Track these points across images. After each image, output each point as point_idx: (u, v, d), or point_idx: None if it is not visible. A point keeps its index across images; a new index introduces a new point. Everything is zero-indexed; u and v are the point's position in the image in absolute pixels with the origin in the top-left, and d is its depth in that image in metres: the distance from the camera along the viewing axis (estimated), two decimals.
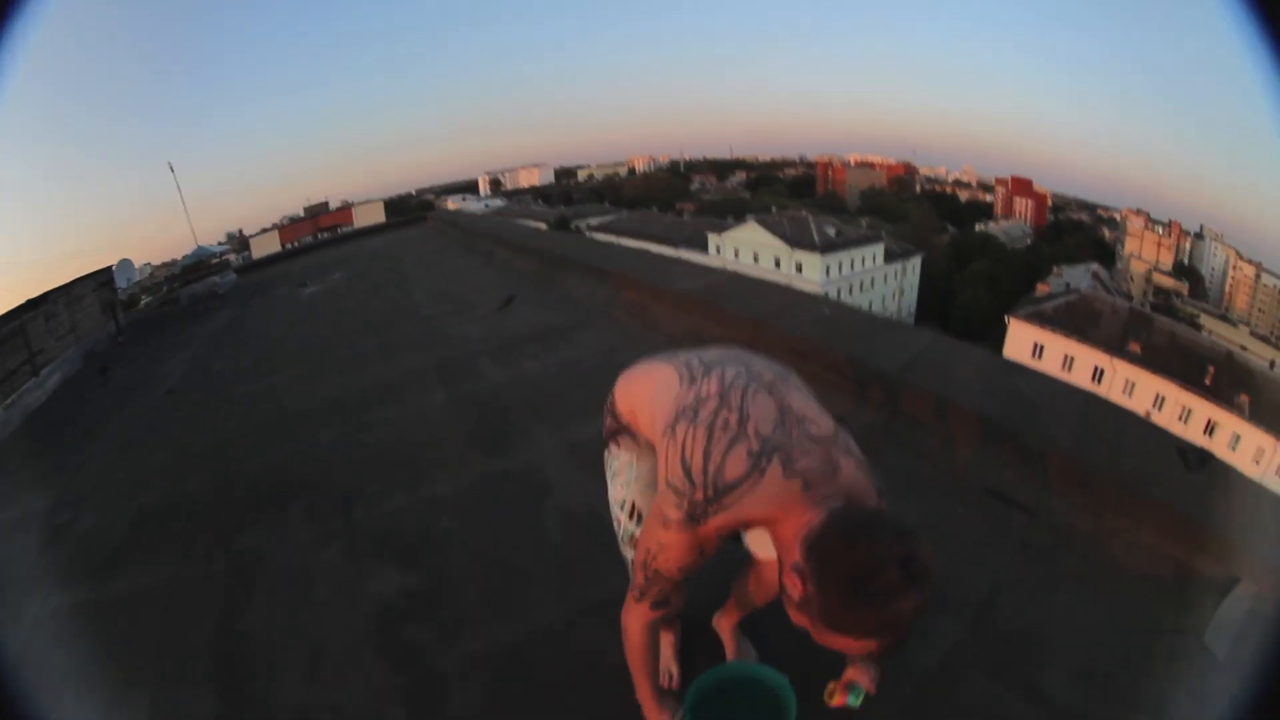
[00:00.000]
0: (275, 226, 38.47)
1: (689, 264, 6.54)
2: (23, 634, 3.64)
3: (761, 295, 5.02)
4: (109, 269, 13.43)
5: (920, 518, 2.73)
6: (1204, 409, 28.59)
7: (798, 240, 45.19)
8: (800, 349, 3.76)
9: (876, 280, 48.10)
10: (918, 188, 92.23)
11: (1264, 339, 40.75)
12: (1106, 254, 58.18)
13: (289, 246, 24.15)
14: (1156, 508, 2.40)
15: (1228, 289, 53.28)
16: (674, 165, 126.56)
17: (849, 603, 1.02)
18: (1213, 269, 55.73)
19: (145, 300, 15.52)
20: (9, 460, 7.35)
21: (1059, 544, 2.58)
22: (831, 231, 46.28)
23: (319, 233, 26.68)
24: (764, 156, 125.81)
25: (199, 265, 14.86)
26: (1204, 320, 45.41)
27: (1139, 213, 63.38)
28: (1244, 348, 34.73)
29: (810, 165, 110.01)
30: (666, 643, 2.00)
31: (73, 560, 4.38)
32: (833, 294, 42.63)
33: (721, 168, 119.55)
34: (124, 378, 9.23)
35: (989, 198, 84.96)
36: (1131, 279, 55.43)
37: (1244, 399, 28.04)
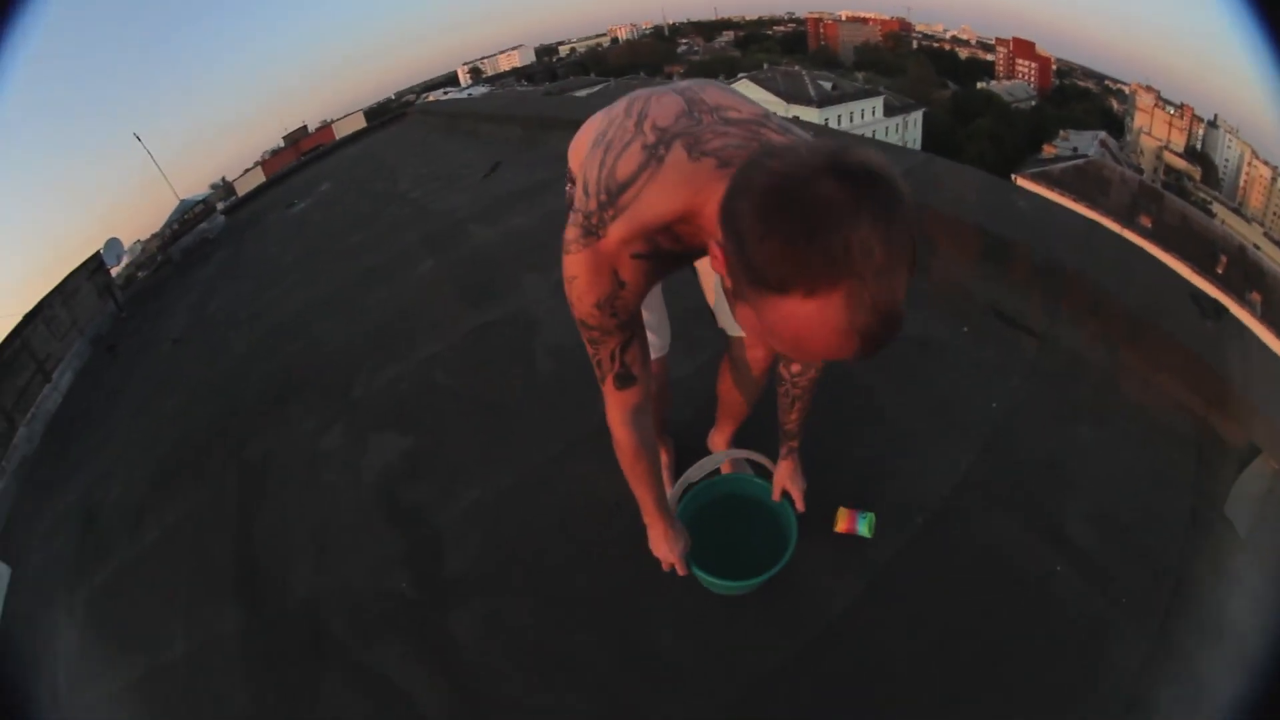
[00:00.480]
0: (257, 164, 38.17)
1: None
2: (75, 622, 3.68)
3: None
4: (97, 254, 13.49)
5: (924, 333, 2.69)
6: (1215, 297, 28.22)
7: (793, 95, 44.25)
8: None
9: (877, 134, 47.42)
10: (914, 44, 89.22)
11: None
12: (1115, 125, 55.46)
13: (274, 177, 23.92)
14: (1172, 347, 2.29)
15: (1241, 185, 49.64)
16: (658, 30, 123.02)
17: (769, 229, 0.70)
18: (1226, 160, 51.77)
19: (142, 275, 15.57)
20: (42, 474, 7.47)
21: (1072, 374, 2.46)
22: (828, 86, 45.93)
23: (302, 157, 26.33)
24: (750, 15, 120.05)
25: (184, 219, 14.79)
26: (1217, 209, 42.98)
27: (1149, 89, 59.01)
28: (1257, 247, 34.03)
29: (800, 22, 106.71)
30: (660, 465, 1.76)
31: (106, 533, 4.50)
32: None
33: (708, 28, 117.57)
34: (130, 348, 9.51)
35: (990, 57, 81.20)
36: (1141, 153, 52.43)
37: (1256, 297, 27.48)
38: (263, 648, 2.46)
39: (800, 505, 1.63)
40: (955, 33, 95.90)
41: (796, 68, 50.91)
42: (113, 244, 13.79)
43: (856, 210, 0.66)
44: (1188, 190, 46.04)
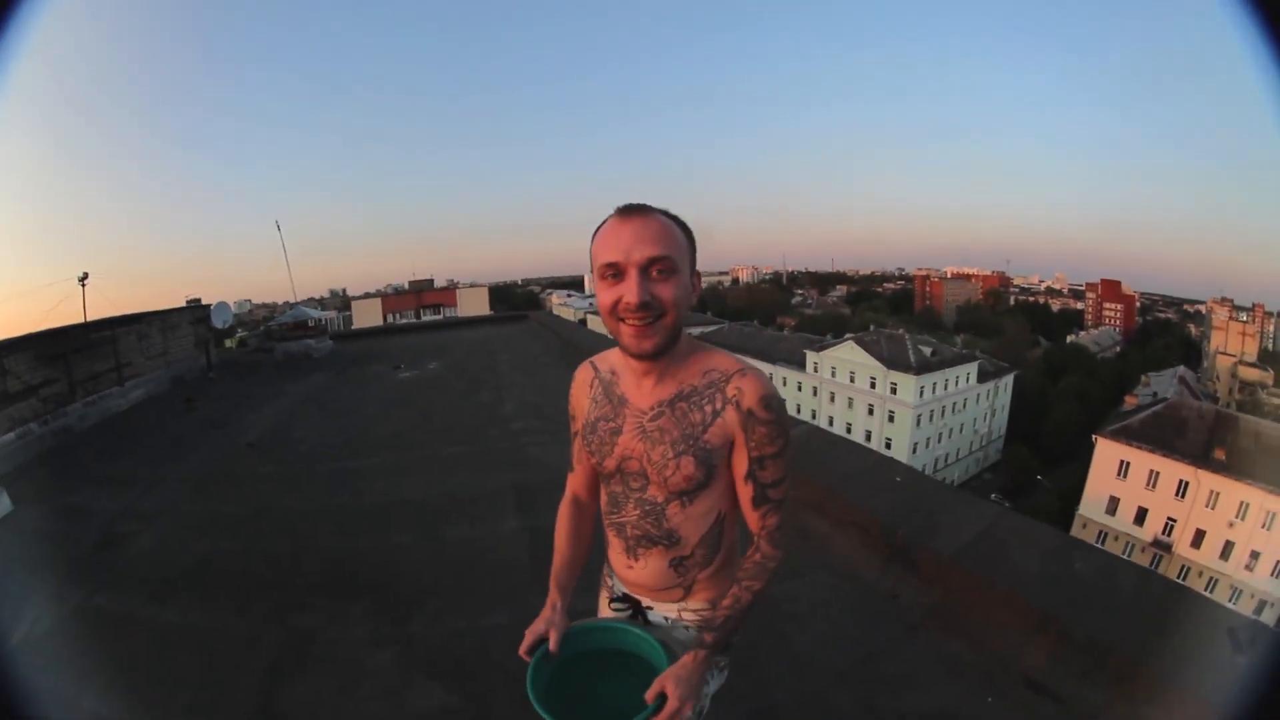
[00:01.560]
0: (379, 293, 40.90)
1: None
2: (59, 618, 4.55)
3: (837, 456, 5.39)
4: (206, 307, 15.33)
5: (945, 706, 3.01)
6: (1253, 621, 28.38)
7: (894, 361, 49.32)
8: (864, 524, 4.16)
9: (969, 401, 52.41)
10: (1011, 299, 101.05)
11: None
12: (1194, 352, 61.09)
13: (390, 318, 25.91)
14: (1191, 704, 2.54)
15: None
16: (777, 276, 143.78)
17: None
18: None
19: (240, 334, 16.77)
20: (80, 452, 8.59)
21: None
22: (927, 351, 50.49)
23: (421, 309, 28.40)
24: (864, 270, 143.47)
25: (296, 325, 16.57)
26: None
27: (1223, 301, 65.95)
28: None
29: (909, 279, 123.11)
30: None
31: (126, 571, 5.23)
32: (925, 416, 48.66)
33: (823, 281, 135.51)
34: (208, 414, 10.51)
35: (1080, 305, 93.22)
36: (1217, 377, 56.97)
37: None
38: None
39: None
40: (1049, 282, 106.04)
41: (901, 331, 57.08)
42: (221, 307, 15.35)
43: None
44: (1261, 402, 48.19)
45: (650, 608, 1.80)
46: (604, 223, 1.53)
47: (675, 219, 1.54)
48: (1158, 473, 34.52)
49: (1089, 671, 2.86)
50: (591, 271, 1.56)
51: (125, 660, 4.08)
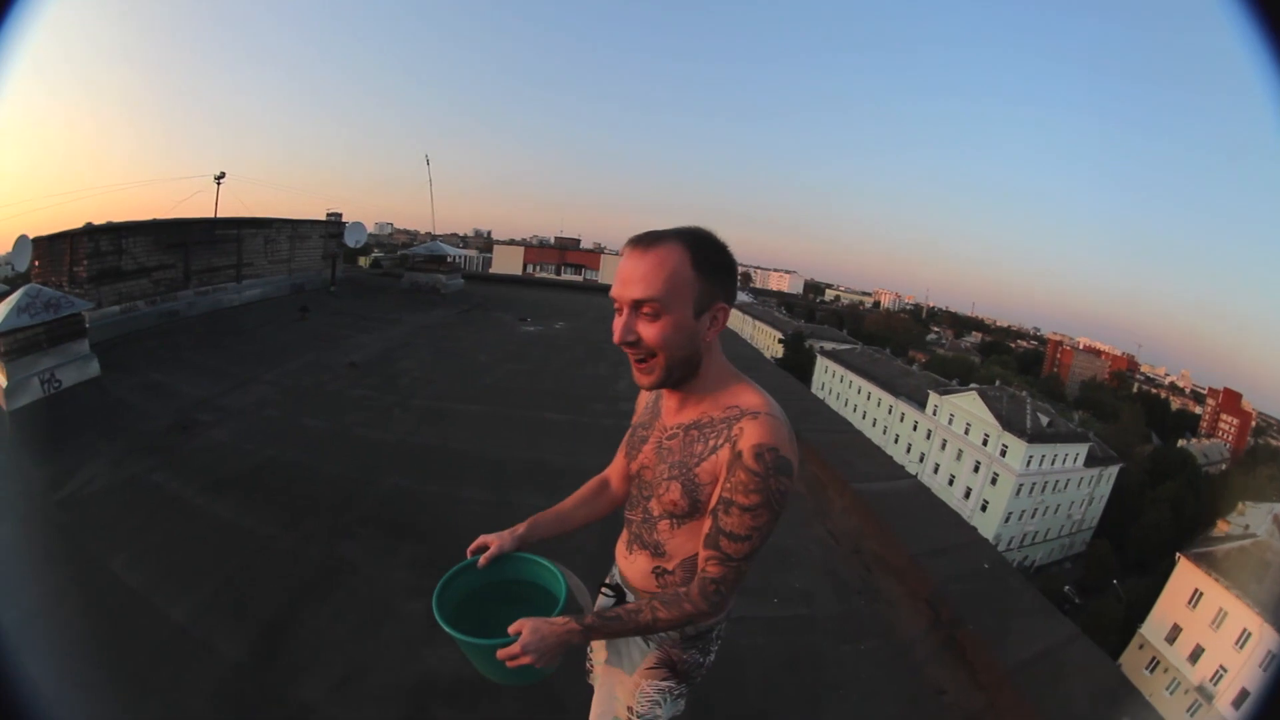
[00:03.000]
0: (523, 242, 41.89)
1: (878, 456, 6.68)
2: (113, 483, 4.86)
3: (933, 522, 5.24)
4: (341, 223, 16.20)
5: None
6: None
7: (1010, 422, 49.83)
8: (938, 605, 4.02)
9: (1071, 483, 52.16)
10: (1135, 386, 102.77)
11: None
12: None
13: (529, 269, 26.36)
14: None
15: None
16: (917, 309, 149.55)
17: None
18: None
19: (376, 254, 17.33)
20: (182, 336, 9.24)
21: None
22: (1044, 421, 50.92)
23: (563, 266, 28.81)
24: (1001, 321, 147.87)
25: (431, 258, 17.00)
26: None
27: None
28: None
29: (1042, 340, 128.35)
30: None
31: (191, 457, 5.48)
32: (1027, 487, 48.65)
33: (960, 323, 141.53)
34: (319, 325, 11.11)
35: (1198, 410, 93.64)
36: None
37: None
38: None
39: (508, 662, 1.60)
40: (1174, 378, 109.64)
41: (1024, 393, 56.84)
42: (356, 226, 16.02)
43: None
44: None
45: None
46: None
47: (698, 247, 1.52)
48: (1226, 613, 33.23)
49: None
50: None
51: (163, 539, 4.26)
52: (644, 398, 1.94)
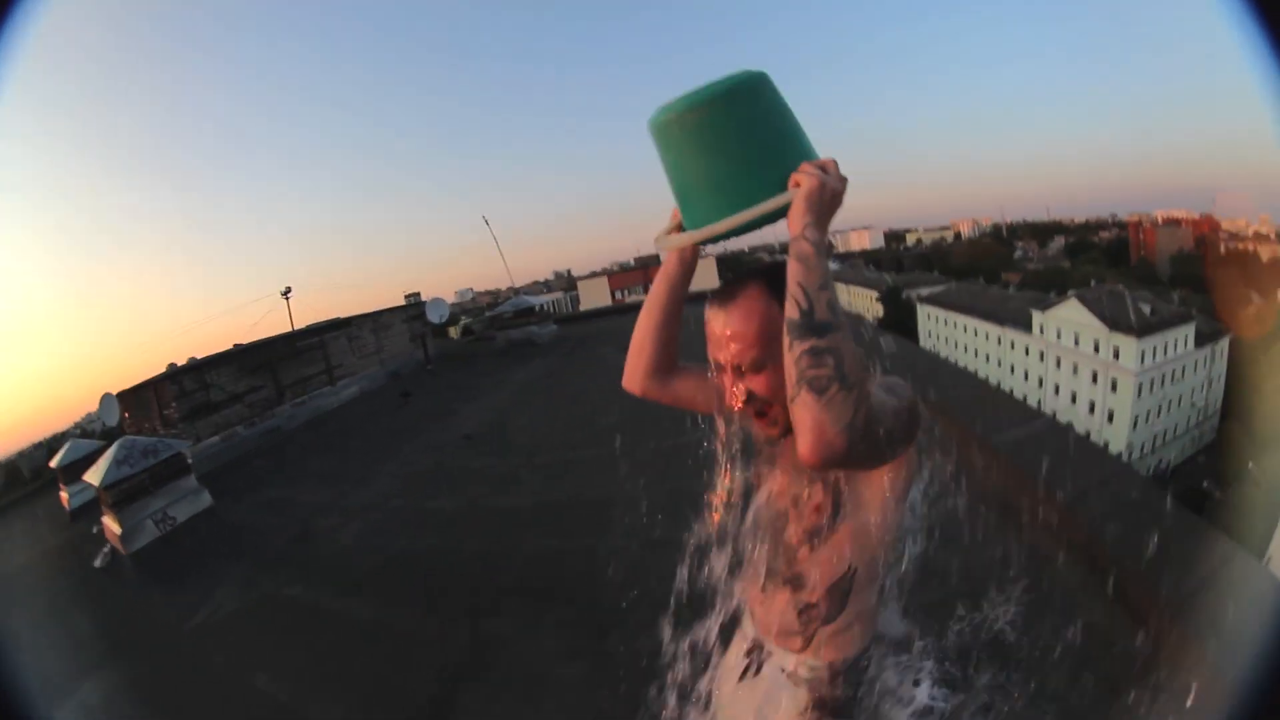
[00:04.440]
0: (604, 272, 42.21)
1: (1014, 402, 6.46)
2: (247, 604, 4.92)
3: (1079, 461, 4.84)
4: (421, 303, 16.75)
5: None
6: None
7: (1116, 321, 51.07)
8: (1094, 551, 3.81)
9: (1187, 369, 52.93)
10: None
11: None
12: None
13: (617, 295, 26.40)
14: None
15: None
16: (996, 229, 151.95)
17: None
18: None
19: (464, 320, 17.62)
20: (289, 450, 9.52)
21: None
22: (1147, 310, 52.08)
23: (649, 284, 28.72)
24: (1079, 217, 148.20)
25: (519, 313, 17.30)
26: None
27: None
28: None
29: (1122, 226, 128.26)
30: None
31: (323, 564, 5.56)
32: (1146, 384, 49.66)
33: (1041, 231, 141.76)
34: (423, 406, 11.31)
35: None
36: None
37: None
38: None
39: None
40: (1256, 227, 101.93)
41: (1120, 288, 57.24)
42: (437, 303, 16.42)
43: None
44: None
45: (772, 653, 1.74)
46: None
47: (774, 281, 1.44)
48: None
49: None
50: None
51: (304, 650, 4.30)
52: None
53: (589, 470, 6.93)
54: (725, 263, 36.99)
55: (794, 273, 1.30)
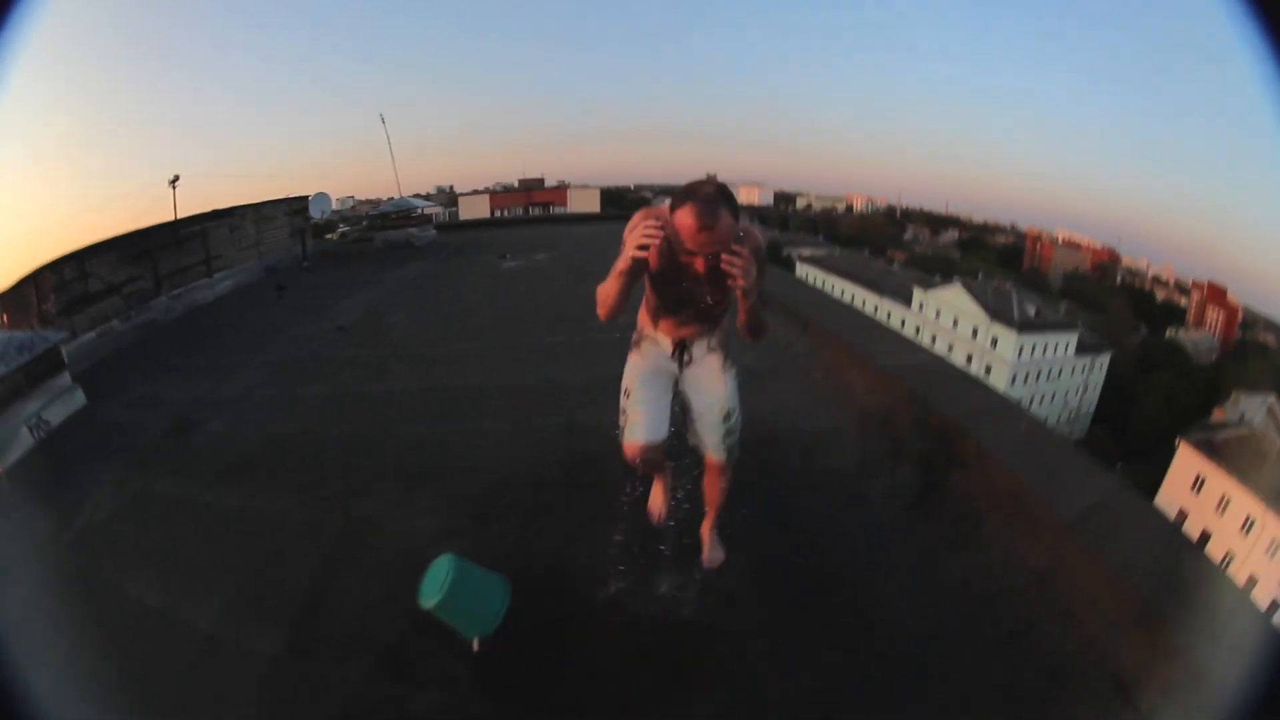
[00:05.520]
0: (486, 190, 41.20)
1: (896, 336, 6.60)
2: (118, 505, 4.54)
3: (963, 392, 5.04)
4: (304, 198, 15.68)
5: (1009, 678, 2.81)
6: None
7: (998, 312, 50.99)
8: (986, 467, 3.89)
9: (1064, 371, 53.60)
10: (1118, 278, 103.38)
11: None
12: None
13: (497, 214, 25.76)
14: None
15: None
16: (890, 210, 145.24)
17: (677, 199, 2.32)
18: None
19: (342, 229, 17.00)
20: (162, 344, 8.85)
21: None
22: (1031, 311, 52.12)
23: (530, 207, 28.31)
24: (977, 218, 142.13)
25: (399, 214, 16.69)
26: None
27: None
28: None
29: (1020, 235, 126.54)
30: (659, 488, 3.45)
31: (192, 457, 5.17)
32: (1021, 377, 50.41)
33: (936, 221, 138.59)
34: (297, 300, 10.71)
35: (1184, 301, 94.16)
36: None
37: None
38: None
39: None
40: (1157, 270, 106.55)
41: (1008, 285, 58.13)
42: (320, 198, 15.54)
43: (688, 193, 2.26)
44: None
45: (692, 345, 2.91)
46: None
47: (732, 206, 2.32)
48: (1229, 499, 33.95)
49: (1171, 683, 2.59)
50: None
51: (177, 547, 3.95)
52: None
53: (462, 362, 6.73)
54: (608, 194, 36.61)
55: (748, 307, 2.50)
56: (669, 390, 3.00)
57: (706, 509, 3.25)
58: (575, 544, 3.55)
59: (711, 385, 2.92)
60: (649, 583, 3.23)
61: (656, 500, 3.42)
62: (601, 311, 2.65)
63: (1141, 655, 2.69)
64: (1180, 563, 3.14)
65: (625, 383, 3.00)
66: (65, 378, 6.59)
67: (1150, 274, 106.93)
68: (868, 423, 4.78)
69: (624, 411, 2.94)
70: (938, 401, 4.67)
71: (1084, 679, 2.72)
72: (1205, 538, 33.52)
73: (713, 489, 3.15)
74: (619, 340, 6.46)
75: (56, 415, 6.28)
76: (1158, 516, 3.68)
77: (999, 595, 3.15)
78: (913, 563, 3.40)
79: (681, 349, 2.90)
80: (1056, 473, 3.80)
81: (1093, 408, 55.52)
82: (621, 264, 2.46)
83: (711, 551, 3.27)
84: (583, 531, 3.65)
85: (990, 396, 5.07)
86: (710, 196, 2.23)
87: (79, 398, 6.57)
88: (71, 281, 8.74)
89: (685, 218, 2.23)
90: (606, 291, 2.59)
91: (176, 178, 13.42)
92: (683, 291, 2.63)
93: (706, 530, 3.29)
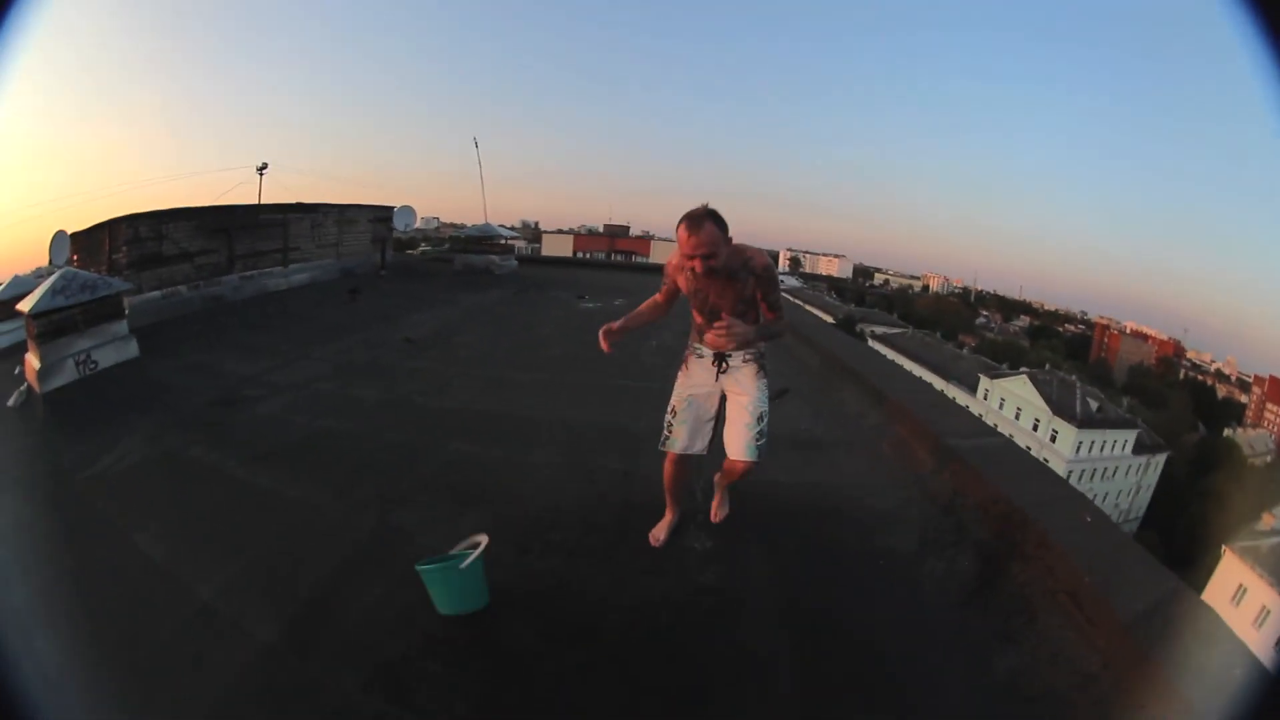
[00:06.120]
0: (571, 231, 41.77)
1: (967, 415, 6.21)
2: (146, 458, 4.41)
3: (1029, 476, 4.70)
4: (390, 208, 15.82)
5: None
6: None
7: (1061, 407, 49.91)
8: (1047, 559, 3.63)
9: (1119, 470, 51.72)
10: (1181, 373, 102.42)
11: None
12: None
13: (579, 255, 25.87)
14: None
15: None
16: (965, 292, 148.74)
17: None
18: None
19: (423, 247, 17.02)
20: (224, 320, 8.87)
21: None
22: (1094, 406, 50.86)
23: (613, 253, 28.42)
24: (1049, 304, 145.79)
25: (483, 239, 16.75)
26: None
27: None
28: None
29: (1089, 325, 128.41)
30: (668, 519, 3.78)
31: (234, 431, 5.01)
32: (1076, 474, 46.76)
33: (1008, 307, 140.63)
34: (370, 306, 10.69)
35: (1244, 397, 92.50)
36: None
37: None
38: None
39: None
40: (1220, 365, 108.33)
41: (1073, 377, 56.81)
42: (405, 211, 15.70)
43: (684, 216, 3.00)
44: None
45: (730, 355, 3.41)
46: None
47: (717, 220, 2.98)
48: (1270, 611, 32.00)
49: None
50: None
51: (196, 511, 3.79)
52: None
53: (526, 390, 6.49)
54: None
55: (767, 327, 3.23)
56: (709, 417, 3.48)
57: (720, 483, 3.90)
58: (618, 593, 3.25)
59: (747, 387, 3.39)
60: (685, 645, 2.91)
61: (661, 528, 3.77)
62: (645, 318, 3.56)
63: None
64: (1234, 671, 2.82)
65: (673, 401, 3.54)
66: (122, 325, 6.63)
67: (1214, 367, 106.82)
68: (931, 503, 4.51)
69: (668, 425, 3.49)
70: (1004, 486, 4.37)
71: None
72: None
73: (734, 476, 3.54)
74: None
75: (107, 358, 6.25)
76: (1212, 617, 3.28)
77: (1044, 697, 2.92)
78: (961, 655, 3.17)
79: (720, 359, 3.46)
80: (1119, 569, 3.53)
81: (1143, 511, 53.45)
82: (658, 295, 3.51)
83: (720, 508, 3.94)
84: (625, 583, 3.35)
85: (1059, 485, 4.74)
86: (698, 213, 2.93)
87: (133, 348, 6.60)
88: (146, 239, 8.77)
89: (680, 232, 2.96)
90: (643, 308, 3.54)
91: (265, 165, 13.73)
92: (709, 305, 3.31)
93: (719, 491, 3.95)
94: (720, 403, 3.49)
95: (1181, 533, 48.82)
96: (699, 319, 3.40)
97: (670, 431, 3.46)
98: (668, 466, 3.60)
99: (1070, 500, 4.37)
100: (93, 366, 6.11)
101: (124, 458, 4.42)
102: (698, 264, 2.97)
